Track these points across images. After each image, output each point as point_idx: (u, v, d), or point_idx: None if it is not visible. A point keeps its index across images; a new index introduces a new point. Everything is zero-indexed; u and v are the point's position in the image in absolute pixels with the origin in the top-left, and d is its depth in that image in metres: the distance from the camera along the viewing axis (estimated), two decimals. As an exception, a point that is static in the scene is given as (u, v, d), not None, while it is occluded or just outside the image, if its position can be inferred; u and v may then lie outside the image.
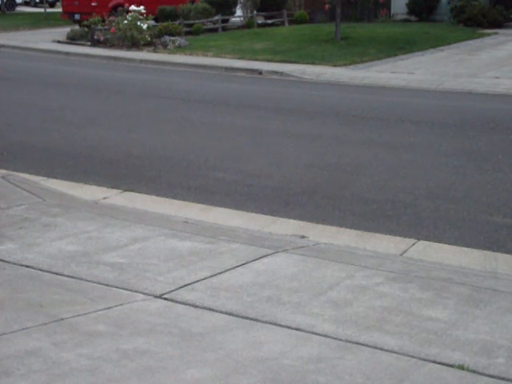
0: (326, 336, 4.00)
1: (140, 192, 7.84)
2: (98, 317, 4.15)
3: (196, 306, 4.36)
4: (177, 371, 3.52)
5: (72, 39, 26.29)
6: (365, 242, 6.42)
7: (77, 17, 28.19)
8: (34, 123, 11.57)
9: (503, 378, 3.59)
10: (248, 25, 29.05)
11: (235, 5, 29.98)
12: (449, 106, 14.14)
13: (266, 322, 4.17)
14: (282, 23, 29.51)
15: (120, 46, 24.25)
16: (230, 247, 5.56)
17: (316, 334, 4.03)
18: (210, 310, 4.32)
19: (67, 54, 23.63)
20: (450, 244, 6.38)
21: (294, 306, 4.41)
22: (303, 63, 20.56)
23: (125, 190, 7.88)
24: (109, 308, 4.29)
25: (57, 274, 4.84)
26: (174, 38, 24.37)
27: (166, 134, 10.83)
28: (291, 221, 6.99)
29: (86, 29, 25.90)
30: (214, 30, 27.86)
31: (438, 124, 11.92)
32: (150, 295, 4.52)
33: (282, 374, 3.52)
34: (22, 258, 5.13)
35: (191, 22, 27.03)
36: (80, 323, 4.04)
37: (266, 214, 7.17)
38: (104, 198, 7.58)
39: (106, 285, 4.67)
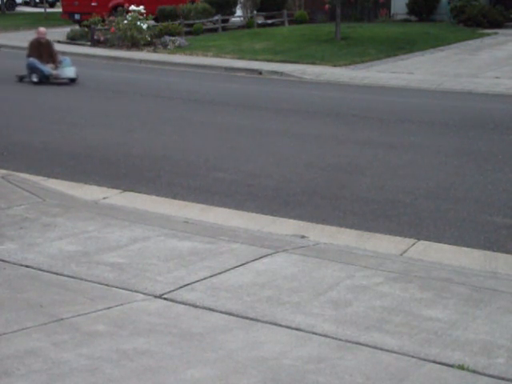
0: (326, 336, 4.00)
1: (140, 192, 7.84)
2: (98, 317, 4.15)
3: (196, 306, 4.36)
4: (177, 371, 3.52)
5: (72, 39, 26.30)
6: (365, 242, 6.42)
7: (77, 17, 28.19)
8: (34, 123, 11.57)
9: (503, 378, 3.59)
10: (248, 25, 29.05)
11: (235, 5, 29.96)
12: (449, 106, 14.15)
13: (265, 322, 4.17)
14: (282, 23, 29.51)
15: (120, 46, 24.26)
16: (230, 247, 5.56)
17: (316, 333, 4.03)
18: (210, 309, 4.32)
19: (67, 53, 23.61)
20: (450, 244, 6.38)
21: (294, 306, 4.41)
22: (303, 63, 20.56)
23: (125, 190, 7.88)
24: (109, 308, 4.29)
25: (57, 273, 4.84)
26: (174, 38, 24.37)
27: (166, 134, 10.84)
28: (291, 221, 6.99)
29: (86, 29, 25.90)
30: (214, 30, 27.86)
31: (438, 124, 11.92)
32: (149, 295, 4.52)
33: (281, 374, 3.52)
34: (22, 258, 5.13)
35: (191, 22, 27.03)
36: (80, 323, 4.04)
37: (266, 214, 7.17)
38: (104, 198, 7.58)
39: (106, 285, 4.67)
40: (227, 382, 3.43)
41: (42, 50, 16.23)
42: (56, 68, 16.09)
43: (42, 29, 16.96)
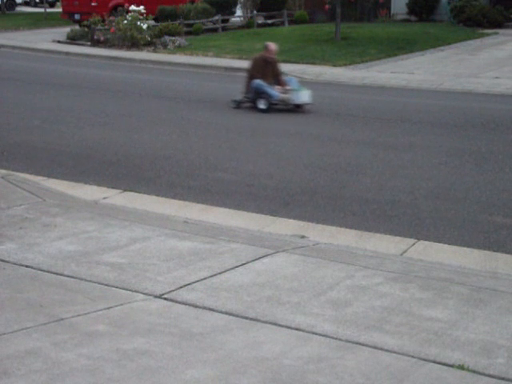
0: (326, 336, 4.00)
1: (140, 192, 7.84)
2: (98, 317, 4.15)
3: (196, 306, 4.36)
4: (177, 371, 3.52)
5: (72, 39, 26.30)
6: (365, 242, 6.42)
7: (77, 17, 28.18)
8: (34, 123, 11.57)
9: (503, 378, 3.59)
10: (248, 25, 29.05)
11: (235, 5, 29.97)
12: (449, 106, 14.14)
13: (265, 322, 4.17)
14: (282, 23, 29.50)
15: (120, 46, 24.26)
16: (230, 247, 5.56)
17: (316, 333, 4.03)
18: (210, 309, 4.32)
19: (67, 53, 23.64)
20: (449, 244, 6.38)
21: (294, 306, 4.41)
22: (303, 63, 20.56)
23: (125, 190, 7.88)
24: (109, 308, 4.29)
25: (57, 273, 4.84)
26: (173, 38, 24.37)
27: (166, 134, 10.83)
28: (291, 221, 7.00)
29: (86, 29, 25.90)
30: (214, 30, 27.86)
31: (437, 124, 11.91)
32: (150, 295, 4.52)
33: (282, 374, 3.52)
34: (22, 257, 5.13)
35: (191, 21, 27.03)
36: (80, 323, 4.04)
37: (266, 214, 7.17)
38: (104, 198, 7.58)
39: (106, 285, 4.67)
40: (227, 382, 3.43)
41: (267, 69, 13.39)
42: (285, 91, 13.18)
43: (273, 46, 13.70)
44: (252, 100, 13.33)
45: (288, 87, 13.26)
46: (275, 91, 13.10)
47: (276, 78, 13.46)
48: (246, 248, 5.57)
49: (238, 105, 13.48)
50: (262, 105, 13.12)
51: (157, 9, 27.24)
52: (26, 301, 4.34)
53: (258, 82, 13.12)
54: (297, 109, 13.18)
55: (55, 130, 11.08)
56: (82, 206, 6.93)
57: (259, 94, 13.15)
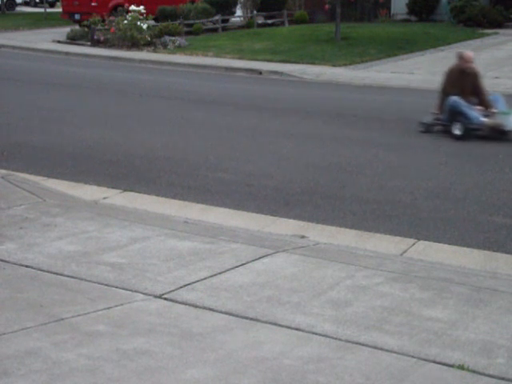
0: (326, 336, 4.00)
1: (140, 192, 7.84)
2: (98, 317, 4.15)
3: (196, 306, 4.36)
4: (177, 371, 3.52)
5: (72, 39, 26.31)
6: (365, 242, 6.41)
7: (77, 17, 28.18)
8: (34, 123, 11.57)
9: (503, 378, 3.59)
10: (248, 25, 29.05)
11: (235, 5, 29.97)
12: (449, 105, 14.12)
13: (265, 322, 4.17)
14: (282, 23, 29.49)
15: (120, 46, 24.26)
16: (230, 247, 5.56)
17: (316, 333, 4.03)
18: (210, 309, 4.32)
19: (67, 53, 23.65)
20: (449, 244, 6.38)
21: (294, 306, 4.41)
22: (303, 63, 20.57)
23: (125, 190, 7.88)
24: (109, 308, 4.29)
25: (57, 273, 4.84)
26: (173, 38, 24.37)
27: (166, 134, 10.83)
28: (291, 221, 6.99)
29: (86, 29, 25.90)
30: (214, 30, 27.86)
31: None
32: (149, 295, 4.53)
33: (282, 374, 3.52)
34: (22, 257, 5.13)
35: (191, 21, 27.03)
36: (80, 323, 4.05)
37: (266, 214, 7.17)
38: (104, 198, 7.57)
39: (106, 285, 4.67)
40: (227, 382, 3.43)
41: (465, 83, 10.87)
42: (488, 114, 10.59)
43: (468, 53, 11.16)
44: (445, 122, 10.88)
45: (493, 109, 10.64)
46: (476, 112, 10.55)
47: (478, 96, 10.87)
48: (246, 248, 5.57)
49: (427, 128, 11.03)
50: (456, 130, 10.56)
51: (157, 9, 27.23)
52: (26, 301, 4.34)
53: (454, 99, 10.67)
54: (500, 136, 10.51)
55: (55, 130, 11.08)
56: (82, 206, 6.93)
57: (455, 116, 10.61)
